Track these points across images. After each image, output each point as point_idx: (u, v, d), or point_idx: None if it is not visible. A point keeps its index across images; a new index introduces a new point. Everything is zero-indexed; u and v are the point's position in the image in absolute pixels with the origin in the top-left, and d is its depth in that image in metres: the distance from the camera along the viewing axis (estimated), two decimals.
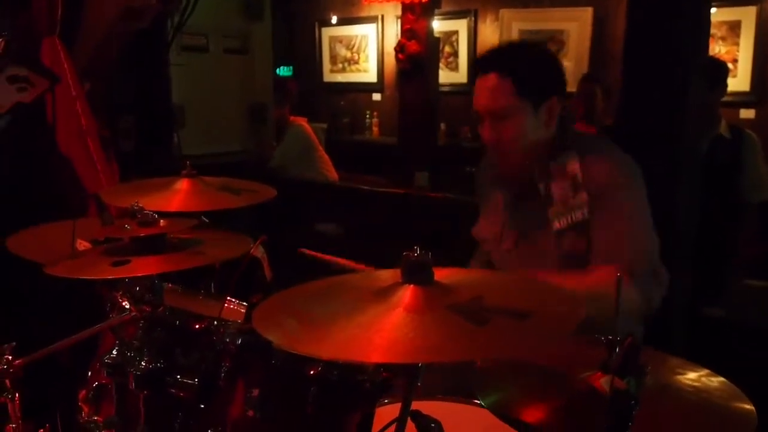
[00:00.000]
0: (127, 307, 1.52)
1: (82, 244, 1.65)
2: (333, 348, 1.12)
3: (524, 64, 2.08)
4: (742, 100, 5.82)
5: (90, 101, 2.65)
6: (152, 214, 1.52)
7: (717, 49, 5.87)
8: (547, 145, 2.13)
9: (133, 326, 1.51)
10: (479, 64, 2.14)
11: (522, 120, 2.07)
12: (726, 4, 5.73)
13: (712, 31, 5.66)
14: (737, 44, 5.85)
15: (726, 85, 3.98)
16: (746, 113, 5.83)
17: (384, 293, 1.19)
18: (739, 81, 5.82)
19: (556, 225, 2.08)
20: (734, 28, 5.84)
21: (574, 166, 2.07)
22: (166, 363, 1.45)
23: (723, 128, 3.87)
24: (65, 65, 2.53)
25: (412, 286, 1.18)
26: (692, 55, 3.09)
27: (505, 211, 2.26)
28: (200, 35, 4.97)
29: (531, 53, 2.16)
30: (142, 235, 1.52)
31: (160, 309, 1.49)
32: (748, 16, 5.77)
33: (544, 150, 2.13)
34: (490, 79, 2.06)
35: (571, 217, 2.07)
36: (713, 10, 5.59)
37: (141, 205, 1.58)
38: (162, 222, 1.54)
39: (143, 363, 1.44)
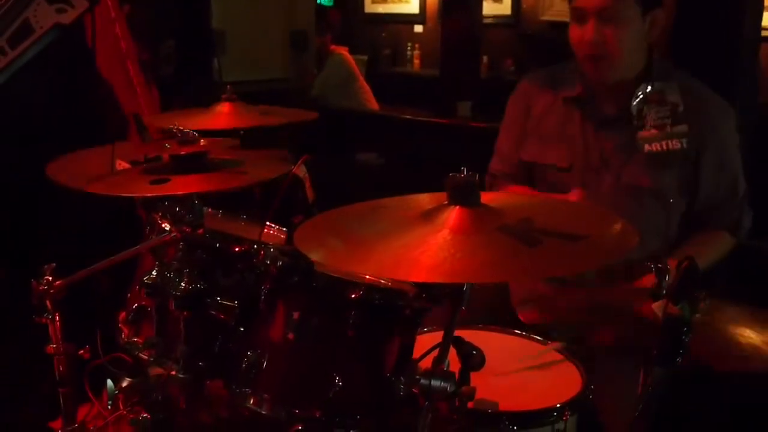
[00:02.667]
0: (167, 228, 1.50)
1: (122, 165, 1.63)
2: (377, 267, 1.11)
3: None
4: None
5: (130, 24, 2.61)
6: (192, 133, 1.49)
7: None
8: (640, 64, 2.06)
9: (173, 248, 1.50)
10: None
11: (629, 24, 1.97)
12: None
13: None
14: None
15: None
16: None
17: (430, 215, 1.18)
18: None
19: (647, 148, 2.00)
20: None
21: (675, 97, 2.00)
22: (206, 285, 1.44)
23: None
24: None
25: (458, 207, 1.15)
26: None
27: (580, 135, 2.13)
28: None
29: None
30: (181, 153, 1.49)
31: (200, 231, 1.47)
32: None
33: (636, 69, 2.06)
34: None
35: (667, 144, 2.00)
36: None
37: (182, 126, 1.55)
38: (202, 141, 1.51)
39: (183, 284, 1.43)
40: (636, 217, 1.91)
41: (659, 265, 1.15)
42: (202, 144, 1.51)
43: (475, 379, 1.28)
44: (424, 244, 1.11)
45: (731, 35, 2.97)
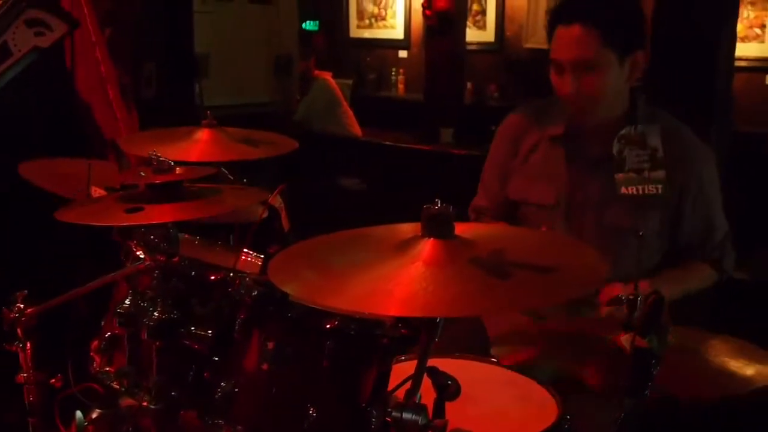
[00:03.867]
0: (142, 256, 1.49)
1: (97, 191, 1.62)
2: (350, 300, 1.10)
3: (611, 13, 1.99)
4: None
5: (111, 47, 2.61)
6: (168, 162, 1.48)
7: (746, 14, 5.85)
8: (623, 105, 2.09)
9: (148, 276, 1.48)
10: (560, 13, 2.03)
11: (607, 72, 1.99)
12: None
13: None
14: (766, 9, 5.85)
15: None
16: None
17: (404, 246, 1.17)
18: (766, 46, 5.85)
19: (623, 190, 2.01)
20: None
21: (656, 141, 2.01)
22: (180, 314, 1.43)
23: None
24: (86, 9, 2.48)
25: (432, 239, 1.15)
26: (721, 18, 3.04)
27: (565, 174, 2.14)
28: None
29: (617, 3, 2.06)
30: (157, 182, 1.48)
31: (176, 259, 1.46)
32: None
33: (620, 110, 2.09)
34: (575, 29, 1.97)
35: (643, 189, 2.01)
36: None
37: (159, 153, 1.54)
38: (178, 170, 1.50)
39: (156, 313, 1.42)
40: (618, 257, 1.94)
41: (630, 297, 1.16)
42: (177, 173, 1.50)
43: (451, 408, 1.27)
44: (397, 276, 1.11)
45: (706, 65, 3.04)
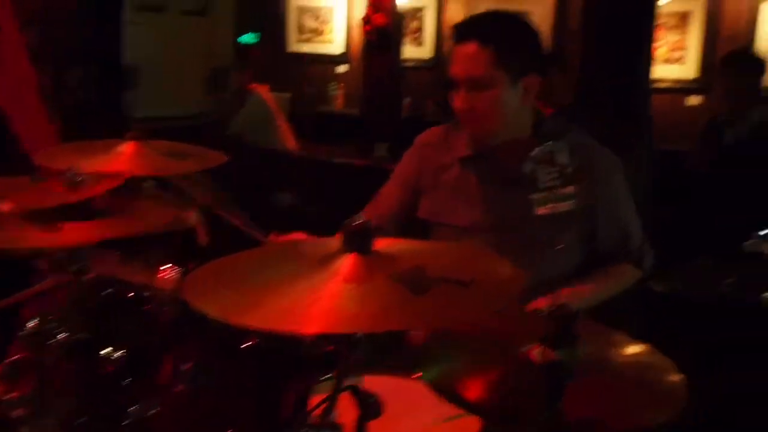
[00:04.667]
0: (53, 274, 1.43)
1: (6, 205, 1.54)
2: (267, 318, 1.07)
3: (506, 35, 2.03)
4: (689, 87, 6.16)
5: (33, 52, 2.51)
6: (84, 176, 1.43)
7: (668, 37, 6.16)
8: (526, 125, 2.12)
9: (59, 295, 1.43)
10: (458, 30, 2.06)
11: (498, 92, 2.01)
12: None
13: (664, 20, 5.97)
14: (686, 33, 6.15)
15: (757, 79, 4.06)
16: (693, 100, 6.17)
17: (323, 262, 1.15)
18: (686, 69, 6.18)
19: (540, 211, 2.04)
20: (684, 17, 6.15)
21: (564, 158, 2.04)
22: (92, 334, 1.37)
23: (752, 118, 3.95)
24: (5, 11, 2.38)
25: (352, 254, 1.14)
26: (639, 40, 3.22)
27: (477, 194, 2.15)
28: None
29: (513, 24, 2.11)
30: (71, 199, 1.43)
31: (89, 276, 1.40)
32: (697, 7, 6.10)
33: (524, 130, 2.12)
34: (470, 47, 2.00)
35: (557, 207, 2.05)
36: (665, 0, 5.84)
37: (78, 168, 1.49)
38: (95, 185, 1.45)
39: (66, 334, 1.36)
40: (537, 271, 1.97)
41: (551, 310, 1.17)
42: (93, 188, 1.44)
43: (374, 427, 1.25)
44: (315, 293, 1.09)
45: (627, 85, 3.17)
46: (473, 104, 2.02)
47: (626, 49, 3.34)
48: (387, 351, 1.82)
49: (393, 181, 2.33)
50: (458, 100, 2.05)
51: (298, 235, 2.01)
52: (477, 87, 2.01)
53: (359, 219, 1.15)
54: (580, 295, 2.03)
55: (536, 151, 2.04)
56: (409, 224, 2.26)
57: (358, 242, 1.14)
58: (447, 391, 1.16)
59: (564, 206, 2.04)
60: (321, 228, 1.98)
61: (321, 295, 1.09)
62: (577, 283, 2.08)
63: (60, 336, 1.35)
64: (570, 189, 2.04)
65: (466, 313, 1.12)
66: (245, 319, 1.09)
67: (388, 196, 2.32)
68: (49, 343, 1.36)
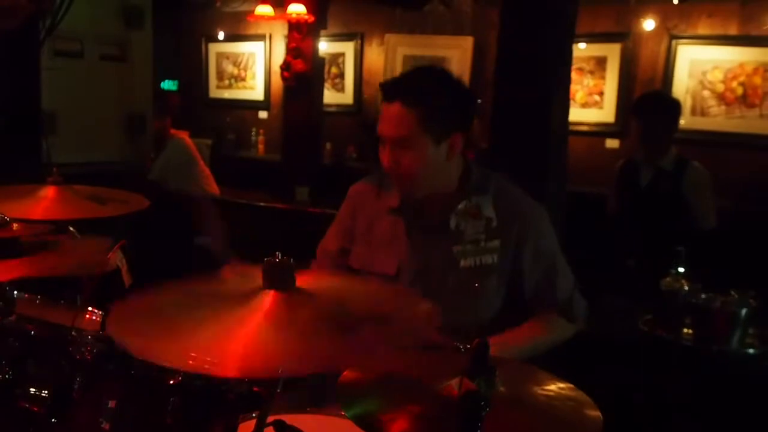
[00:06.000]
0: None
1: None
2: (186, 358, 1.07)
3: (430, 98, 2.04)
4: (607, 130, 6.16)
5: None
6: (3, 217, 1.45)
7: (585, 81, 6.21)
8: (453, 177, 2.15)
9: None
10: (385, 90, 2.09)
11: (422, 152, 2.04)
12: (594, 41, 6.06)
13: (581, 65, 6.05)
14: (603, 78, 6.18)
15: (672, 121, 4.07)
16: (611, 143, 6.17)
17: (245, 299, 1.18)
18: (604, 113, 6.18)
19: (462, 263, 2.10)
20: (601, 62, 6.17)
21: (490, 211, 2.11)
22: (15, 374, 1.38)
23: (666, 161, 3.99)
24: None
25: (273, 291, 1.17)
26: (554, 84, 3.28)
27: (405, 244, 2.18)
28: (75, 40, 4.78)
29: (439, 86, 2.09)
30: None
31: (12, 317, 1.41)
32: (613, 52, 6.11)
33: (450, 182, 2.14)
34: (394, 107, 2.03)
35: (480, 260, 2.11)
36: (582, 45, 5.98)
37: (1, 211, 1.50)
38: (15, 226, 1.47)
39: None
40: (457, 314, 2.02)
41: (468, 346, 1.21)
42: (14, 228, 1.46)
43: None
44: (236, 331, 1.11)
45: (541, 130, 3.27)
46: (398, 161, 2.06)
47: (541, 95, 3.39)
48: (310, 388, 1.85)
49: (333, 234, 2.35)
50: (384, 157, 2.09)
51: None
52: (401, 146, 2.05)
53: (279, 256, 1.20)
54: (510, 346, 2.04)
55: (462, 205, 2.11)
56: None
57: (279, 279, 1.18)
58: (369, 425, 1.17)
59: (487, 259, 2.11)
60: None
61: (241, 333, 1.11)
62: (505, 333, 2.09)
63: None
64: (495, 243, 2.11)
65: (386, 350, 1.15)
66: (164, 358, 1.11)
67: (329, 242, 2.34)
68: None
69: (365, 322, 1.17)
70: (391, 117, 2.05)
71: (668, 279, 2.90)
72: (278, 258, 1.19)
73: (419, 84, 2.09)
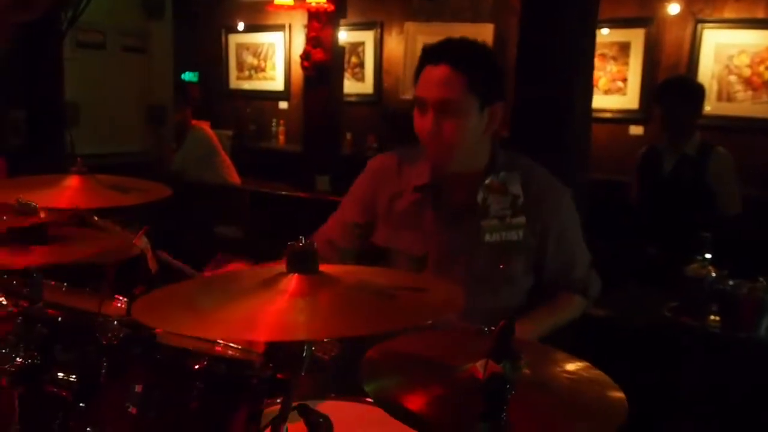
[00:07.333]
0: (3, 302, 1.45)
1: None
2: (217, 328, 1.11)
3: (477, 61, 2.03)
4: (631, 117, 6.10)
5: None
6: (32, 204, 1.46)
7: (608, 67, 6.15)
8: (484, 155, 2.13)
9: (11, 322, 1.44)
10: (430, 54, 2.04)
11: (466, 117, 2.01)
12: (617, 26, 5.97)
13: (604, 50, 5.98)
14: (627, 64, 6.11)
15: (697, 106, 4.02)
16: (635, 130, 6.10)
17: (269, 283, 1.19)
18: (628, 99, 6.12)
19: (487, 238, 2.08)
20: (624, 48, 6.10)
21: (517, 188, 2.09)
22: (43, 359, 1.39)
23: (690, 147, 3.95)
24: None
25: (296, 275, 1.18)
26: (576, 71, 3.24)
27: (431, 223, 2.16)
28: (97, 32, 4.81)
29: (483, 53, 2.09)
30: (20, 225, 1.46)
31: (39, 304, 1.43)
32: (636, 38, 6.04)
33: (481, 160, 2.13)
34: (441, 70, 1.99)
35: (505, 235, 2.09)
36: (606, 31, 5.88)
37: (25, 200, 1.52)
38: (42, 213, 1.49)
39: (19, 359, 1.38)
40: (485, 297, 2.02)
41: (493, 328, 1.21)
42: (41, 216, 1.48)
43: None
44: (263, 307, 1.13)
45: (563, 117, 3.23)
46: (440, 127, 2.01)
47: (563, 82, 3.34)
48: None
49: (350, 205, 2.31)
50: (425, 122, 2.02)
51: (237, 266, 1.98)
52: (447, 111, 2.00)
53: (302, 241, 1.21)
54: (529, 326, 2.04)
55: (489, 179, 2.09)
56: (366, 251, 2.28)
57: (302, 262, 1.19)
58: (389, 403, 1.17)
59: (513, 236, 2.09)
60: (265, 260, 2.03)
61: (269, 309, 1.13)
62: (526, 314, 2.10)
63: (13, 361, 1.37)
64: (521, 219, 2.08)
65: (411, 318, 1.16)
66: (195, 330, 1.13)
67: (344, 214, 2.31)
68: (1, 369, 1.37)
69: (398, 291, 1.18)
70: (437, 79, 2.00)
71: (694, 266, 2.88)
72: (301, 242, 1.20)
73: (466, 48, 2.07)
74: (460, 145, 2.05)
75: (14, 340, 1.40)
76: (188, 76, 7.93)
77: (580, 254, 2.24)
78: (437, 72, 2.00)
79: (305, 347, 1.25)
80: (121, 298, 1.61)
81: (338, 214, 2.35)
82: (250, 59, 8.31)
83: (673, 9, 5.83)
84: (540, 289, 2.21)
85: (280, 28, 7.96)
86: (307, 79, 6.67)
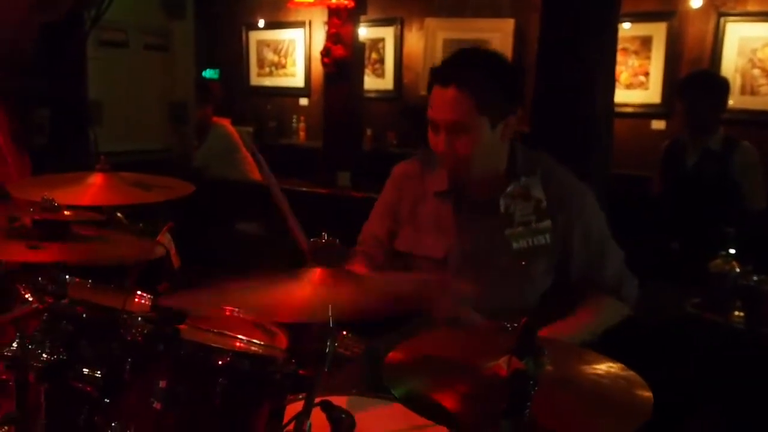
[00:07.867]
0: (29, 298, 1.47)
1: None
2: (246, 307, 1.17)
3: (485, 81, 2.01)
4: (653, 111, 6.04)
5: (1, 93, 2.55)
6: (56, 203, 1.48)
7: (630, 62, 6.09)
8: (503, 159, 2.13)
9: (36, 318, 1.46)
10: (438, 74, 2.05)
11: (478, 136, 2.02)
12: (639, 20, 5.92)
13: (626, 45, 5.91)
14: (649, 58, 6.05)
15: (720, 100, 3.98)
16: (657, 124, 6.05)
17: (294, 275, 1.22)
18: (650, 93, 6.06)
19: (515, 246, 2.09)
20: (646, 42, 6.04)
21: (539, 192, 2.09)
22: (69, 355, 1.41)
23: (714, 141, 3.92)
24: None
25: (320, 269, 1.19)
26: (598, 66, 3.22)
27: (453, 227, 2.17)
28: (119, 30, 4.84)
29: (492, 68, 2.07)
30: (45, 219, 1.47)
31: (65, 300, 1.45)
32: (659, 32, 5.99)
33: (500, 164, 2.13)
34: (449, 92, 1.99)
35: (533, 241, 2.10)
36: (627, 25, 5.81)
37: (50, 198, 1.54)
38: (66, 212, 1.50)
39: (45, 355, 1.39)
40: (507, 297, 2.02)
41: (515, 325, 1.21)
42: (66, 214, 1.49)
43: None
44: (288, 293, 1.19)
45: (585, 113, 3.21)
46: (453, 147, 2.03)
47: (584, 77, 3.34)
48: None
49: (379, 216, 2.34)
50: (438, 143, 2.05)
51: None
52: (457, 131, 2.01)
53: (325, 236, 1.22)
54: (567, 333, 2.03)
55: (511, 186, 2.09)
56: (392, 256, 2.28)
57: (326, 257, 1.20)
58: (416, 402, 1.18)
59: (540, 240, 2.09)
60: (286, 256, 2.04)
61: (293, 294, 1.18)
62: (559, 324, 2.07)
63: (39, 357, 1.38)
64: (546, 223, 2.09)
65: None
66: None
67: (374, 223, 2.33)
68: (28, 365, 1.39)
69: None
70: (447, 102, 2.01)
71: (718, 261, 2.86)
72: (324, 238, 1.21)
73: (474, 68, 2.05)
74: (474, 159, 2.07)
75: (40, 337, 1.42)
76: (209, 73, 7.96)
77: (610, 252, 2.20)
78: (446, 94, 2.01)
79: (328, 343, 1.26)
80: (144, 294, 1.63)
81: (368, 226, 2.37)
82: (270, 56, 8.34)
83: (696, 2, 5.76)
84: (568, 290, 2.18)
85: (300, 24, 7.98)
86: (328, 75, 6.68)
